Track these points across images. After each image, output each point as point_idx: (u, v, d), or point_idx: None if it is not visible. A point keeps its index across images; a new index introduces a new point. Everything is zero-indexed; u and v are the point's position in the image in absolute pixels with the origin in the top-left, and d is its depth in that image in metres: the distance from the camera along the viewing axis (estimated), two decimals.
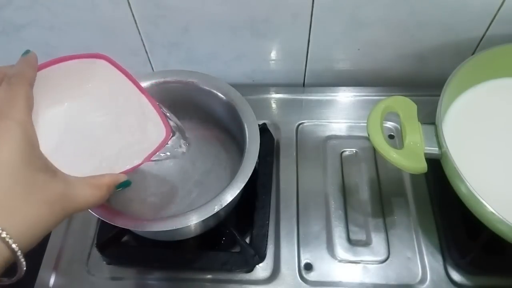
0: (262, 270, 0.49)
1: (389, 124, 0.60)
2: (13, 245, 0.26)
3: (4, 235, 0.26)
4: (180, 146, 0.45)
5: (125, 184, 0.37)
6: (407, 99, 0.48)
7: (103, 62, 0.38)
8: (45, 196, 0.29)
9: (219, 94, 0.51)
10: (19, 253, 0.27)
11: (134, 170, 0.39)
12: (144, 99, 0.40)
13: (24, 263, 0.27)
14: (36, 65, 0.33)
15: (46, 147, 0.31)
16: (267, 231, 0.50)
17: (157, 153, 0.40)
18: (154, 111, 0.40)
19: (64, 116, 0.36)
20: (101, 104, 0.38)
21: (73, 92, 0.37)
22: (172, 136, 0.41)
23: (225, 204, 0.41)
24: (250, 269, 0.49)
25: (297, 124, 0.61)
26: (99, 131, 0.38)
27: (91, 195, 0.33)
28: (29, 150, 0.29)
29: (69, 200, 0.31)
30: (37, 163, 0.29)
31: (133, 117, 0.40)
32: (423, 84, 0.63)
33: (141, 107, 0.40)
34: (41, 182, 0.29)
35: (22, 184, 0.28)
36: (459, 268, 0.48)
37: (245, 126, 0.48)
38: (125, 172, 0.37)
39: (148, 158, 0.39)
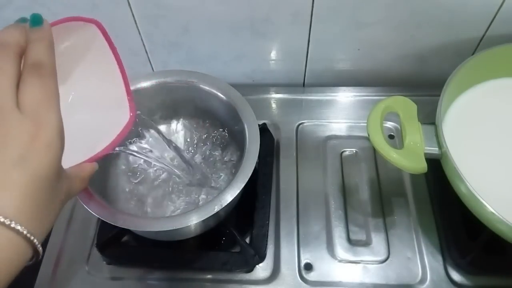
0: (262, 270, 0.49)
1: (389, 124, 0.60)
2: (38, 246, 0.26)
3: (35, 241, 0.26)
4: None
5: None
6: (407, 99, 0.48)
7: (93, 27, 0.37)
8: (61, 198, 0.29)
9: (219, 94, 0.51)
10: (40, 249, 0.27)
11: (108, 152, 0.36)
12: (119, 77, 0.37)
13: (40, 250, 0.28)
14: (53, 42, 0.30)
15: None
16: (267, 231, 0.50)
17: (121, 139, 0.37)
18: (124, 91, 0.37)
19: None
20: (78, 75, 0.35)
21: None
22: (135, 120, 0.38)
23: (225, 204, 0.41)
24: (250, 269, 0.49)
25: (297, 124, 0.61)
26: (74, 106, 0.34)
27: (79, 187, 0.33)
28: (60, 160, 0.28)
29: (68, 197, 0.31)
30: (61, 171, 0.29)
31: (105, 95, 0.36)
32: (423, 84, 0.63)
33: (113, 86, 0.37)
34: (60, 186, 0.29)
35: (51, 194, 0.27)
36: (459, 268, 0.48)
37: (245, 126, 0.48)
38: (95, 159, 0.35)
39: (113, 144, 0.36)
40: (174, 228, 0.41)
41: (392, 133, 0.59)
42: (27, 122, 0.26)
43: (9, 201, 0.25)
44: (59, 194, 0.29)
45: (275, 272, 0.49)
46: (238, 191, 0.42)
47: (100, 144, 0.35)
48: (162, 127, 0.57)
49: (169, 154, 0.54)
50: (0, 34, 0.28)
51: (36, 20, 0.31)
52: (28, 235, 0.25)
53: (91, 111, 0.35)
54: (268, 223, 0.51)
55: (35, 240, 0.26)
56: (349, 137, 0.59)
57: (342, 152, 0.58)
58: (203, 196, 0.51)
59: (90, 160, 0.35)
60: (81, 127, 0.33)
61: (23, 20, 0.31)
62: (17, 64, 0.27)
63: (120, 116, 0.36)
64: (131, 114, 0.36)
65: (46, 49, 0.29)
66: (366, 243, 0.50)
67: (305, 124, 0.61)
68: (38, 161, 0.26)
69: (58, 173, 0.28)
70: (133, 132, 0.42)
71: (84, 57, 0.35)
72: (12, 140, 0.25)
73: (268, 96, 0.64)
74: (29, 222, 0.25)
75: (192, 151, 0.55)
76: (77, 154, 0.34)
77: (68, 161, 0.31)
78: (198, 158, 0.54)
